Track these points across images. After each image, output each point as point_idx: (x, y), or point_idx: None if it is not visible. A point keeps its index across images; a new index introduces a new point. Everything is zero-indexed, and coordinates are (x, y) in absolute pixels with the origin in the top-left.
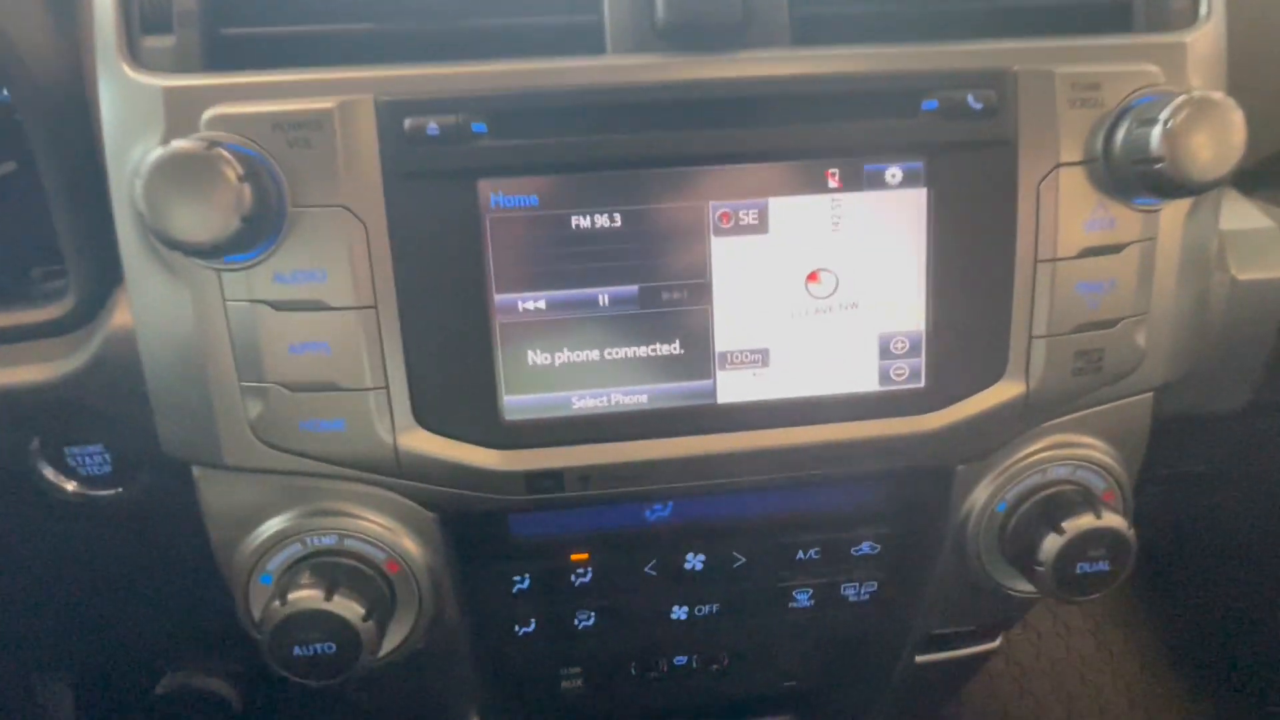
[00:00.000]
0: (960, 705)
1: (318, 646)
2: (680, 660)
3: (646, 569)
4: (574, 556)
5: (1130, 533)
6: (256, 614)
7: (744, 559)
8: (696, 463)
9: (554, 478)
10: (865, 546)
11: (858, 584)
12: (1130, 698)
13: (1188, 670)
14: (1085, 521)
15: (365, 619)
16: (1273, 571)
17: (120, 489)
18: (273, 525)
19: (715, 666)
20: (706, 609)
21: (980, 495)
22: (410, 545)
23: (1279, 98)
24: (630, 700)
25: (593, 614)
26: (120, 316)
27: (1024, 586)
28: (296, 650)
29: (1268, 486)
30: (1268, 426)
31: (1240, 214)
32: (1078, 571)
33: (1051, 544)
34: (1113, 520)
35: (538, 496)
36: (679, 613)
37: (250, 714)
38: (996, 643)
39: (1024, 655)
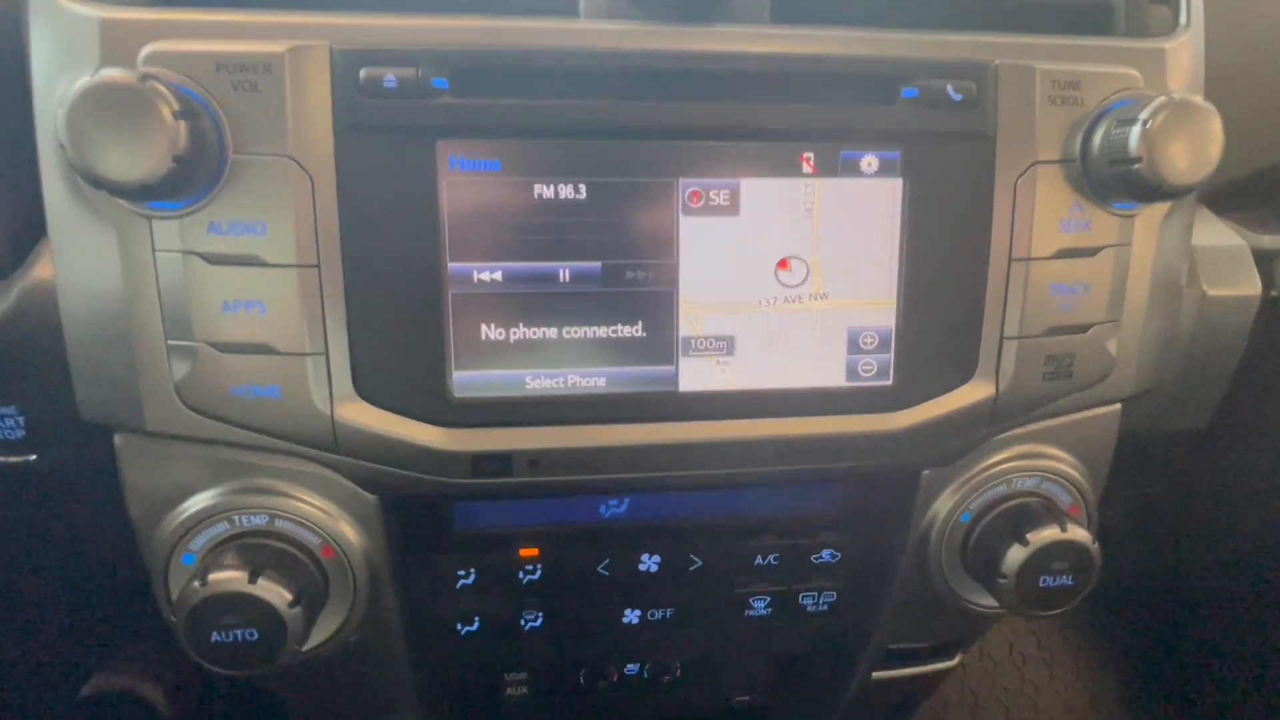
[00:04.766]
0: None
1: (239, 633)
2: (631, 669)
3: (599, 569)
4: (523, 552)
5: (1095, 547)
6: (175, 596)
7: (701, 562)
8: (654, 451)
9: (502, 460)
10: (825, 555)
11: (816, 593)
12: None
13: (1138, 704)
14: (1050, 534)
15: (292, 605)
16: (1226, 610)
17: (34, 455)
18: (198, 501)
19: (667, 678)
20: (660, 614)
21: (944, 505)
22: (347, 530)
23: (1250, 119)
24: (578, 712)
25: (540, 615)
26: (41, 269)
27: (985, 600)
28: (215, 636)
29: (1223, 517)
30: (1225, 448)
31: (1211, 231)
32: (1040, 585)
33: (1015, 555)
34: (1078, 534)
35: (484, 481)
36: (631, 616)
37: None
38: (955, 661)
39: (979, 684)
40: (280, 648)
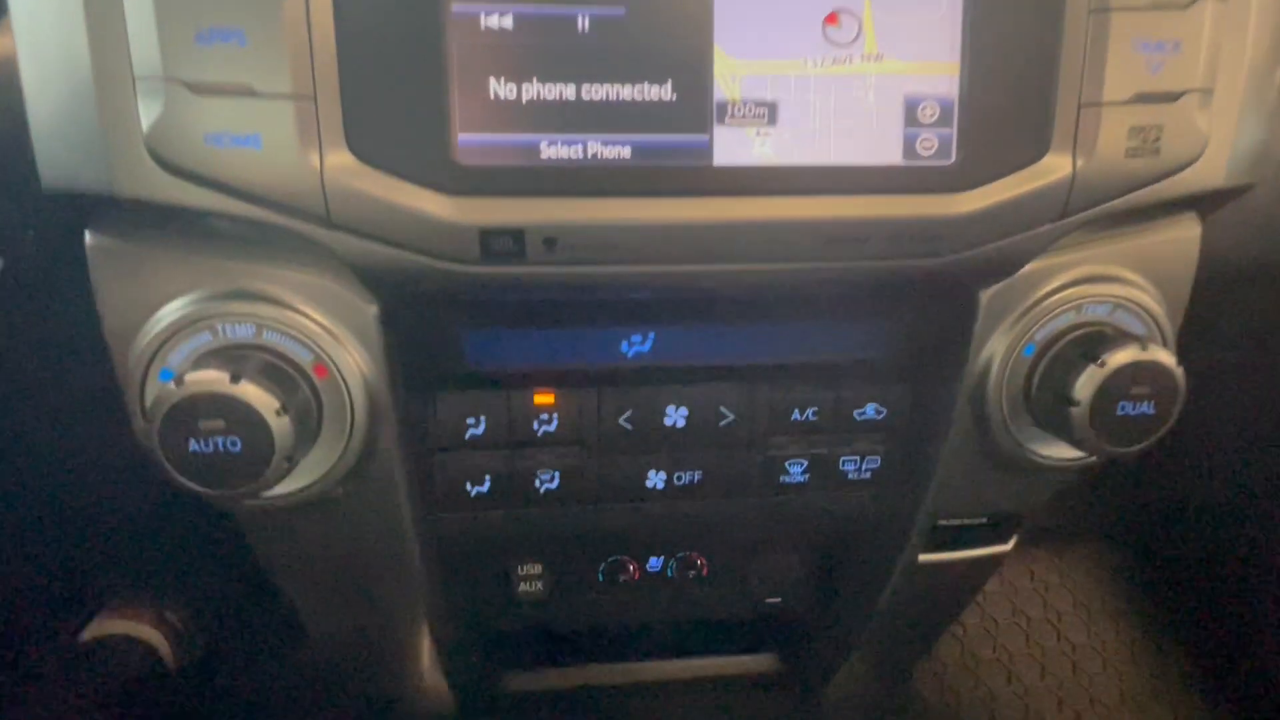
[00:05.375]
0: (947, 691)
1: (220, 441)
2: (654, 564)
3: (621, 420)
4: (538, 398)
5: (1179, 371)
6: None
7: (732, 416)
8: (684, 233)
9: (514, 237)
10: (870, 410)
11: (859, 458)
12: (1121, 689)
13: (1180, 663)
14: (1129, 354)
15: (280, 414)
16: (1268, 567)
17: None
18: (177, 308)
19: (692, 573)
20: (687, 477)
21: (1003, 340)
22: (345, 349)
23: None
24: (596, 615)
25: (556, 473)
26: (1, 44)
27: (1050, 450)
28: (194, 445)
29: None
30: None
31: None
32: (1119, 412)
33: (1090, 378)
34: (1160, 355)
35: (494, 270)
36: (655, 479)
37: (183, 670)
38: (1009, 545)
39: (1014, 643)
40: (267, 463)
